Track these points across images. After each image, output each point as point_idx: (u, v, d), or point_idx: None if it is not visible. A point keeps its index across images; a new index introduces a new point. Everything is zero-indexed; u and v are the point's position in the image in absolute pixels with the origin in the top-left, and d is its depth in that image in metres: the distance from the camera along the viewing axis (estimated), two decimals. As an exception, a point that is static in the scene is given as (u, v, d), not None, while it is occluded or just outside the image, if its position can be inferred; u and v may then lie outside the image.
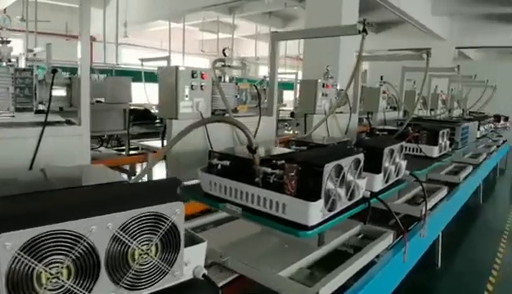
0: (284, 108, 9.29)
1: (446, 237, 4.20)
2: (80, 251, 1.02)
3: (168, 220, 1.19)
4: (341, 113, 4.75)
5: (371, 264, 2.39)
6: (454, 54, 15.77)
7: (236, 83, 3.18)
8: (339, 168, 1.80)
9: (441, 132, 3.92)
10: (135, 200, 1.14)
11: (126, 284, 1.12)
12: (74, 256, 1.01)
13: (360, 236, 2.73)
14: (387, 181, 2.46)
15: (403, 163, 2.74)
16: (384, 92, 5.54)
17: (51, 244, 0.97)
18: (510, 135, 10.69)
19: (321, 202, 1.68)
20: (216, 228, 2.69)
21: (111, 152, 5.86)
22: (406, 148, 3.91)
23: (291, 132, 8.10)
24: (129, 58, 15.67)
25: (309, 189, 1.69)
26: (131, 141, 6.12)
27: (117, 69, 11.82)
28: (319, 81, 3.99)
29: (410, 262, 2.71)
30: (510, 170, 10.40)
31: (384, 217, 3.24)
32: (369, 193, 2.15)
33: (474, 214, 6.03)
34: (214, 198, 2.07)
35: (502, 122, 9.70)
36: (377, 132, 4.20)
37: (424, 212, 2.87)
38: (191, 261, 1.34)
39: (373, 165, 2.33)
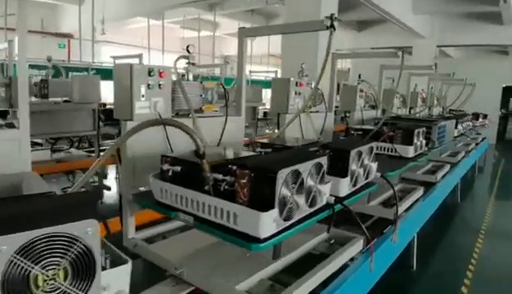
0: (263, 106, 9.17)
1: (422, 237, 4.13)
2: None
3: (77, 241, 1.06)
4: (317, 112, 4.65)
5: (340, 271, 2.29)
6: (435, 52, 15.91)
7: (201, 82, 3.02)
8: (297, 174, 1.68)
9: (416, 132, 3.84)
10: (40, 218, 1.00)
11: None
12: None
13: (331, 241, 2.63)
14: (355, 185, 2.35)
15: (373, 165, 2.64)
16: (361, 91, 5.45)
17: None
18: (489, 133, 10.83)
19: (274, 211, 1.55)
20: (177, 236, 2.54)
21: (81, 153, 5.65)
22: (380, 148, 3.83)
23: (271, 132, 7.99)
24: (109, 56, 15.29)
25: (262, 198, 1.55)
26: (103, 142, 5.91)
27: (93, 67, 11.51)
28: (291, 79, 3.86)
29: (380, 269, 2.61)
30: (489, 167, 10.49)
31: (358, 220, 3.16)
32: (333, 198, 2.02)
33: (452, 213, 6.01)
34: (167, 206, 1.91)
35: (481, 119, 9.76)
36: (352, 132, 4.10)
37: (395, 217, 2.78)
38: (112, 286, 1.20)
39: (339, 168, 2.22)
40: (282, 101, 3.76)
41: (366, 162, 2.48)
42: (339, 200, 2.03)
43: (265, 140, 2.91)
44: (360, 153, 2.36)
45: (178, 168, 1.85)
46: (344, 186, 2.20)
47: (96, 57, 13.22)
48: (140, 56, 5.81)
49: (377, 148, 3.83)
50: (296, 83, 3.92)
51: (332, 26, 2.50)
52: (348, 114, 5.33)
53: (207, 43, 16.84)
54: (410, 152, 3.72)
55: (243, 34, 3.08)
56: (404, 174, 4.51)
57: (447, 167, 5.48)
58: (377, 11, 10.76)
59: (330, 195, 2.01)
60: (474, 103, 10.84)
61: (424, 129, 4.14)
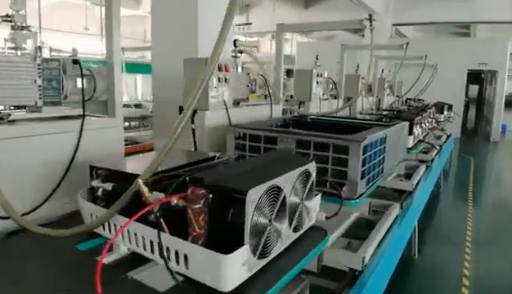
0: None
1: None
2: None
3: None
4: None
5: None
6: (390, 32, 13.75)
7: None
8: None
9: (263, 190, 1.16)
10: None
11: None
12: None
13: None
14: None
15: None
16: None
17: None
18: (454, 126, 8.52)
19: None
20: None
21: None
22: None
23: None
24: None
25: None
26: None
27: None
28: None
29: None
30: (457, 173, 8.15)
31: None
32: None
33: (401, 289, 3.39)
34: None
35: (446, 112, 7.36)
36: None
37: None
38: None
39: None
40: None
41: None
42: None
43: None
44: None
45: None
46: None
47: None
48: None
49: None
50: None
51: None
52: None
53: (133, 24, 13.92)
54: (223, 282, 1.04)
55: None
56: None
57: (395, 211, 2.89)
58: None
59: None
60: (436, 91, 8.66)
61: (309, 168, 1.46)
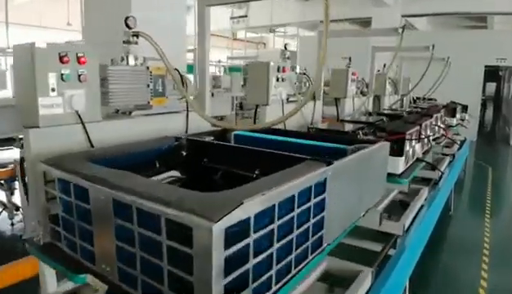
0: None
1: None
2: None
3: None
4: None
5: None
6: (400, 24, 12.49)
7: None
8: None
9: None
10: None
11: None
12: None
13: None
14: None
15: None
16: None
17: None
18: (469, 128, 7.26)
19: None
20: None
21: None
22: None
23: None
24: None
25: None
26: None
27: None
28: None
29: None
30: (472, 188, 6.88)
31: None
32: None
33: None
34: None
35: (459, 115, 6.14)
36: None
37: None
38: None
39: None
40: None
41: None
42: None
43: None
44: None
45: None
46: None
47: None
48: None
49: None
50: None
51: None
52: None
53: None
54: None
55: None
56: None
57: (363, 288, 1.79)
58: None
59: None
60: (450, 89, 7.40)
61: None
